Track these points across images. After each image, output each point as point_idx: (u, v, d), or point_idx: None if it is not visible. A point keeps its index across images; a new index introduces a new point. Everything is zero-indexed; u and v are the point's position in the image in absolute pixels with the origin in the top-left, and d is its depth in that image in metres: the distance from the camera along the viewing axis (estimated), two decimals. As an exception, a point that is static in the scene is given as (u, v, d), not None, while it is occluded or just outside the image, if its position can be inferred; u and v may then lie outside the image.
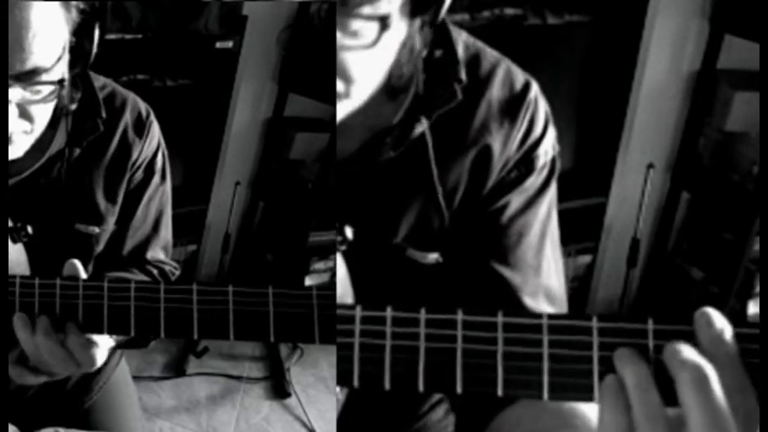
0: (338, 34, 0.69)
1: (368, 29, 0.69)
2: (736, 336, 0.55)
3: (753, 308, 2.40)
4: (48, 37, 0.81)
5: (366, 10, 0.67)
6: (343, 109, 0.75)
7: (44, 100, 0.83)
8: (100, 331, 0.76)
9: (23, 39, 0.78)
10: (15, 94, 0.81)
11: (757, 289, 2.36)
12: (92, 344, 0.79)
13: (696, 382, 0.52)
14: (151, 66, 2.37)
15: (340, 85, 0.73)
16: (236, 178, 2.67)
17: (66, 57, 0.85)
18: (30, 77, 0.80)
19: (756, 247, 2.31)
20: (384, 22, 0.69)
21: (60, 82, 0.84)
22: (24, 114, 0.84)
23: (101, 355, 0.81)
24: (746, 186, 2.32)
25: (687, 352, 0.54)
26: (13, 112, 0.81)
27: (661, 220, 2.56)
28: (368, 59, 0.72)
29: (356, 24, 0.68)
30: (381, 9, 0.68)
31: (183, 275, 2.82)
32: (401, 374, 0.59)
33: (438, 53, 0.83)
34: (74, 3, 0.85)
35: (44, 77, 0.81)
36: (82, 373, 0.84)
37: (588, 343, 0.57)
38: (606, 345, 0.57)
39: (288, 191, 2.68)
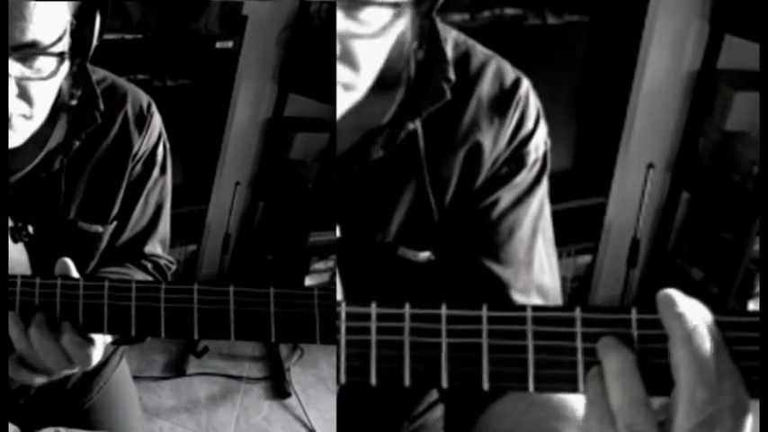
0: (347, 22, 0.69)
1: (379, 16, 0.70)
2: (731, 324, 0.55)
3: (753, 308, 2.40)
4: (50, 11, 0.80)
5: None
6: (347, 101, 0.75)
7: (45, 78, 0.83)
8: (100, 331, 0.76)
9: (25, 7, 0.78)
10: (14, 69, 0.80)
11: (757, 289, 2.36)
12: (87, 342, 0.79)
13: (691, 337, 0.53)
14: (151, 66, 2.37)
15: (347, 76, 0.72)
16: (236, 178, 2.67)
17: (67, 38, 0.84)
18: (29, 50, 0.80)
19: (756, 247, 2.31)
20: (397, 9, 0.69)
21: (61, 54, 0.83)
22: (24, 95, 0.83)
23: (96, 354, 0.81)
24: (746, 186, 2.32)
25: (683, 305, 0.54)
26: (11, 89, 0.81)
27: (661, 220, 2.56)
28: (376, 48, 0.73)
29: (368, 12, 0.68)
30: None
31: (184, 275, 2.82)
32: (387, 370, 0.59)
33: (426, 52, 0.83)
34: None
35: (44, 52, 0.81)
36: (79, 371, 0.84)
37: (572, 334, 0.57)
38: (590, 335, 0.57)
39: (288, 191, 2.68)
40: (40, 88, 0.84)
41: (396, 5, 0.70)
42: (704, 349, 0.53)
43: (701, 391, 0.52)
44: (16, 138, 0.86)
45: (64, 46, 0.84)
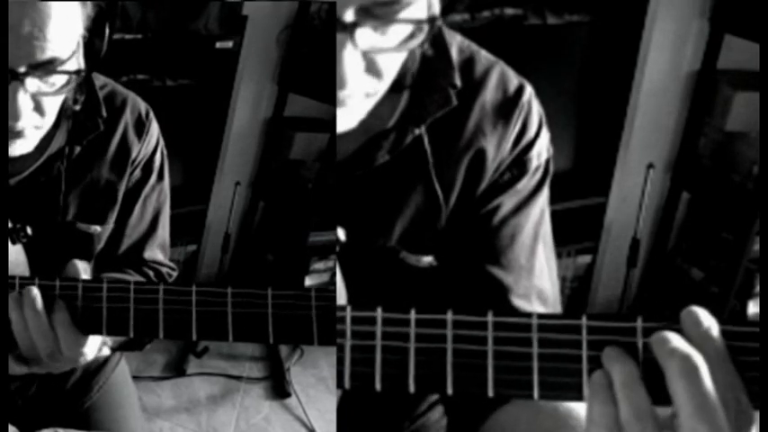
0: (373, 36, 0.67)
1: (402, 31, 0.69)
2: (732, 334, 0.55)
3: (753, 308, 2.40)
4: (66, 28, 0.81)
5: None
6: (365, 107, 0.74)
7: (58, 92, 0.84)
8: (99, 332, 0.76)
9: (45, 27, 0.78)
10: (32, 85, 0.81)
11: (757, 289, 2.36)
12: (78, 329, 0.79)
13: (685, 371, 0.52)
14: (151, 66, 2.37)
15: (374, 85, 0.71)
16: (236, 178, 2.67)
17: (81, 51, 0.85)
18: (47, 67, 0.80)
19: (756, 247, 2.31)
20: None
21: (77, 72, 0.84)
22: (37, 108, 0.84)
23: (87, 346, 0.80)
24: (746, 186, 2.32)
25: (676, 341, 0.54)
26: (28, 105, 0.81)
27: (661, 220, 2.56)
28: (397, 59, 0.73)
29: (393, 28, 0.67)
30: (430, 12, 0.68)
31: (183, 276, 2.82)
32: (392, 375, 0.59)
33: (430, 53, 0.83)
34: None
35: (61, 68, 0.81)
36: (70, 367, 0.83)
37: (578, 341, 0.57)
38: (595, 343, 0.57)
39: (288, 191, 2.68)
40: (51, 99, 0.85)
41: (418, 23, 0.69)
42: (701, 384, 0.52)
43: (701, 426, 0.52)
44: (26, 145, 0.87)
45: (80, 61, 0.85)
